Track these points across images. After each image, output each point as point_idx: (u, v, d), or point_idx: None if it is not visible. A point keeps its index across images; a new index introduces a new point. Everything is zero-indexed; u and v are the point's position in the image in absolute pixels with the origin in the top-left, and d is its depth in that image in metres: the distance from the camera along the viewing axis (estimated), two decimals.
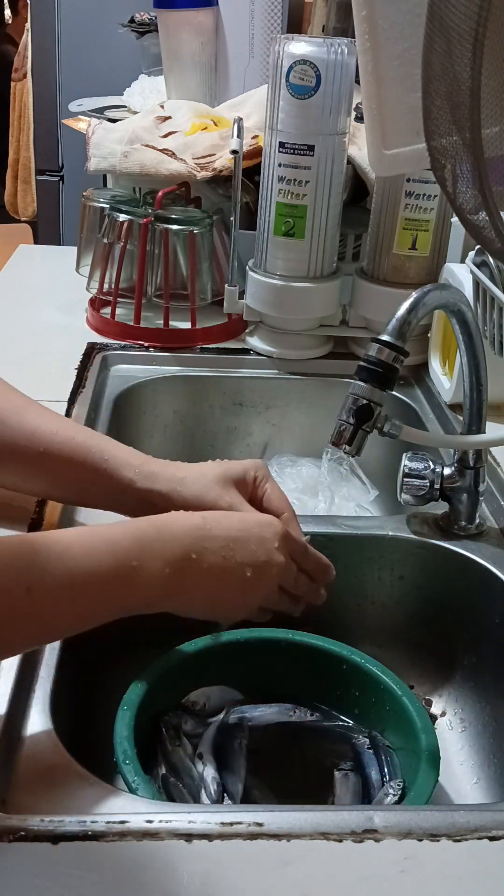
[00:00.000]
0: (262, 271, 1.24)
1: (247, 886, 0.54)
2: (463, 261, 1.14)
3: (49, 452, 0.78)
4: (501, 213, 0.68)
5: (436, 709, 0.90)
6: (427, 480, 0.90)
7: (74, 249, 1.44)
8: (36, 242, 2.98)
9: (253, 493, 0.78)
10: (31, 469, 0.80)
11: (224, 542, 0.68)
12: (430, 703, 0.90)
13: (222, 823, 0.57)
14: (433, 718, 0.89)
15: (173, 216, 1.29)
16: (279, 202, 1.19)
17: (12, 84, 3.69)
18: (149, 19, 1.99)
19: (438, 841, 0.57)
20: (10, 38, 4.67)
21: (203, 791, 0.72)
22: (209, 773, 0.73)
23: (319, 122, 1.14)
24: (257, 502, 0.78)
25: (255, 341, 1.30)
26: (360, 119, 1.14)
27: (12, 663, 0.68)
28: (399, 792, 0.72)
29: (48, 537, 0.65)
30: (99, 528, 0.67)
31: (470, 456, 0.89)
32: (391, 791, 0.72)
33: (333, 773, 0.76)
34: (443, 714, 0.90)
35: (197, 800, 0.71)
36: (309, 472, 1.18)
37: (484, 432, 0.89)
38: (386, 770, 0.75)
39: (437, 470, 0.90)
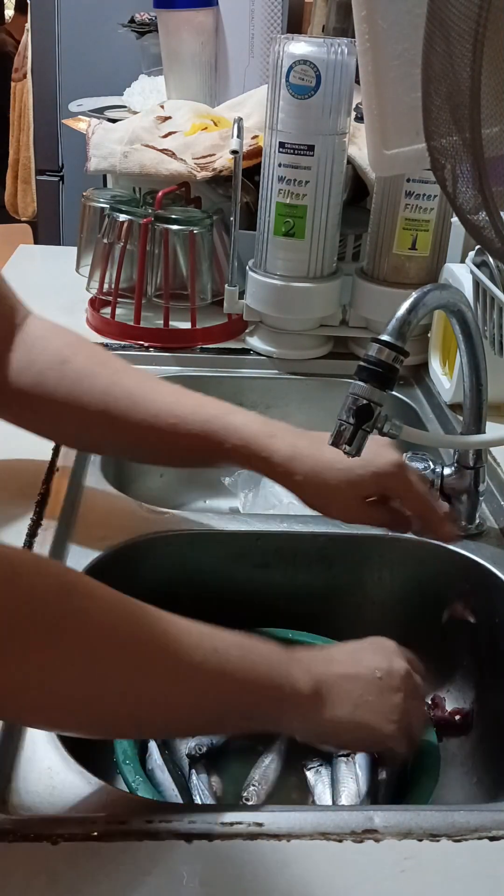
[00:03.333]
0: (262, 271, 1.24)
1: (247, 886, 0.54)
2: (463, 261, 1.14)
3: (175, 435, 0.79)
4: (501, 213, 0.68)
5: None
6: (427, 480, 0.90)
7: (74, 249, 1.44)
8: (36, 242, 2.98)
9: (391, 493, 0.77)
10: (158, 449, 0.82)
11: (347, 654, 0.67)
12: (437, 704, 0.90)
13: (222, 823, 0.57)
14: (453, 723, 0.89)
15: (173, 216, 1.29)
16: (279, 202, 1.19)
17: (12, 84, 3.69)
18: (149, 19, 1.99)
19: (438, 841, 0.57)
20: (10, 38, 4.67)
21: (198, 795, 0.72)
22: (203, 777, 0.73)
23: (319, 122, 1.14)
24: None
25: (255, 341, 1.30)
26: (360, 119, 1.14)
27: None
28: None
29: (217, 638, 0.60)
30: (248, 641, 0.61)
31: (470, 456, 0.89)
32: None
33: (305, 773, 0.77)
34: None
35: (185, 793, 0.72)
36: None
37: (484, 432, 0.89)
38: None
39: (437, 470, 0.90)
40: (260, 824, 0.57)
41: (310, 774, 0.76)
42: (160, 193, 1.29)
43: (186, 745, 0.76)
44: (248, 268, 1.26)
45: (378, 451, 0.77)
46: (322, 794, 0.75)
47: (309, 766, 0.77)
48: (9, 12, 5.38)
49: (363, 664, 0.66)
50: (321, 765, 0.77)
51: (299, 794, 0.75)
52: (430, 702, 0.90)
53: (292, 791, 0.76)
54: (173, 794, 0.71)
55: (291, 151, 1.16)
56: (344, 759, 0.77)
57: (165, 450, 0.82)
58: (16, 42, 4.20)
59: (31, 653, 0.49)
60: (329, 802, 0.73)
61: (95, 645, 0.53)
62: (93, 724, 0.56)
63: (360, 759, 0.77)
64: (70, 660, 0.51)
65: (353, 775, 0.75)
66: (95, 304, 1.35)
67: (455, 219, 0.96)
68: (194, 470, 1.28)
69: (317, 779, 0.76)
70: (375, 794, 0.74)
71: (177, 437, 0.79)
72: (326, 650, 0.68)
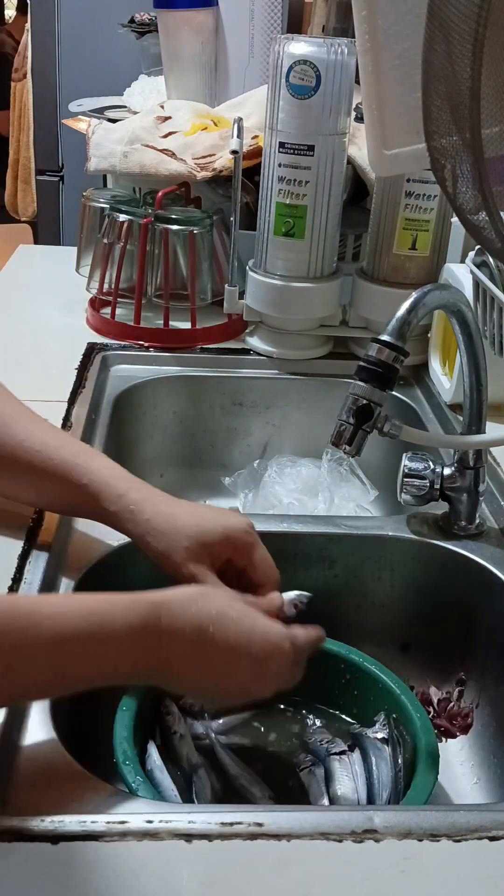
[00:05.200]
0: (262, 271, 1.24)
1: (247, 886, 0.54)
2: (463, 261, 1.14)
3: (35, 467, 0.78)
4: (501, 213, 0.68)
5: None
6: (427, 480, 0.90)
7: (74, 249, 1.44)
8: (36, 242, 2.98)
9: (236, 559, 0.74)
10: (21, 481, 0.80)
11: (224, 652, 0.64)
12: (438, 704, 0.90)
13: (222, 823, 0.57)
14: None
15: (173, 216, 1.29)
16: (279, 202, 1.19)
17: (12, 84, 3.69)
18: (149, 19, 1.99)
19: (438, 841, 0.57)
20: (10, 39, 4.67)
21: (197, 796, 0.72)
22: (204, 777, 0.73)
23: (319, 122, 1.14)
24: (241, 568, 0.75)
25: (255, 341, 1.30)
26: (360, 119, 1.14)
27: None
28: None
29: (41, 604, 0.63)
30: (100, 607, 0.62)
31: (470, 456, 0.89)
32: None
33: (298, 774, 0.76)
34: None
35: (185, 793, 0.72)
36: (309, 473, 1.18)
37: (484, 432, 0.89)
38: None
39: (437, 470, 0.90)
40: (260, 824, 0.57)
41: (303, 775, 0.76)
42: (160, 193, 1.29)
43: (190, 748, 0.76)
44: (248, 268, 1.26)
45: (227, 514, 0.77)
46: (318, 794, 0.74)
47: (301, 767, 0.76)
48: (9, 12, 5.38)
49: (232, 674, 0.65)
50: (313, 764, 0.76)
51: (294, 798, 0.75)
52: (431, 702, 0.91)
53: (286, 795, 0.75)
54: (173, 794, 0.71)
55: (291, 151, 1.16)
56: (337, 757, 0.76)
57: (26, 480, 0.80)
58: (16, 42, 4.21)
59: None
60: (326, 802, 0.73)
61: None
62: None
63: (357, 756, 0.77)
64: None
65: (348, 773, 0.75)
66: (95, 304, 1.35)
67: (455, 219, 0.96)
68: (194, 470, 1.29)
69: (310, 779, 0.75)
70: (374, 794, 0.74)
71: (41, 469, 0.78)
72: (210, 635, 0.63)
